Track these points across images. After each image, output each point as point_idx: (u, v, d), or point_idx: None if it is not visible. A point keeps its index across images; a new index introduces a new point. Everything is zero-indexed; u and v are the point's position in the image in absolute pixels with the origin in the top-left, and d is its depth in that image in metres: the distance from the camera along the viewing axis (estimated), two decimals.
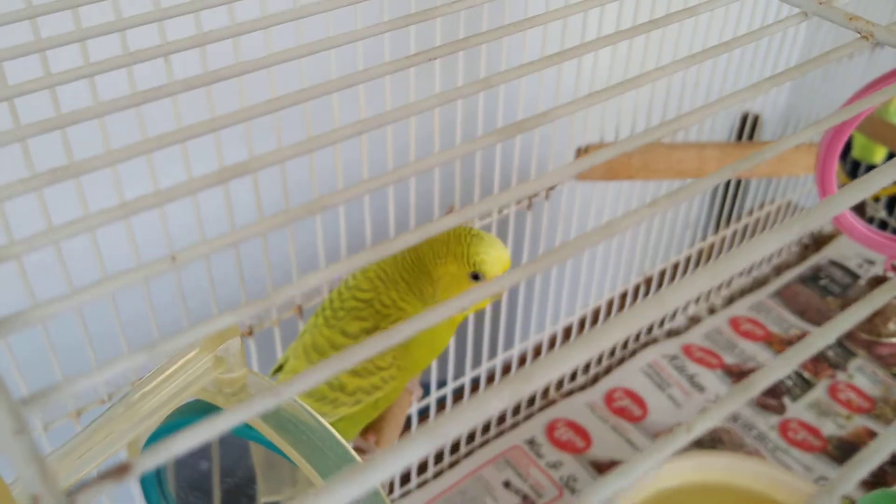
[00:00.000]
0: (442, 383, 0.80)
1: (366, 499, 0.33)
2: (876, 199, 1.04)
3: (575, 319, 0.88)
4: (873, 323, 0.57)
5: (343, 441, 0.33)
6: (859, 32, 0.27)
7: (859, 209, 0.63)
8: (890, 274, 0.55)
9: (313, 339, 0.49)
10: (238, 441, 0.41)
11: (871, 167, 0.85)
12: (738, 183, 1.02)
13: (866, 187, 0.22)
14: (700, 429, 0.15)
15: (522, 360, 0.88)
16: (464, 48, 0.28)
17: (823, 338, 0.17)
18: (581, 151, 0.72)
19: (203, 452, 0.42)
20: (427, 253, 0.46)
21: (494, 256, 0.46)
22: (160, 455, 0.15)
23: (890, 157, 0.88)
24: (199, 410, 0.34)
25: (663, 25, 0.29)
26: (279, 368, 0.53)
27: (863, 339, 0.95)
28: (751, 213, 1.00)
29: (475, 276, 0.46)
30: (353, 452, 0.33)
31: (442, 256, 0.45)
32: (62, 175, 0.21)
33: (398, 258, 0.47)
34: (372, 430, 0.53)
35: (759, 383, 0.16)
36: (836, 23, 0.28)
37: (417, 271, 0.46)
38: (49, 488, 0.14)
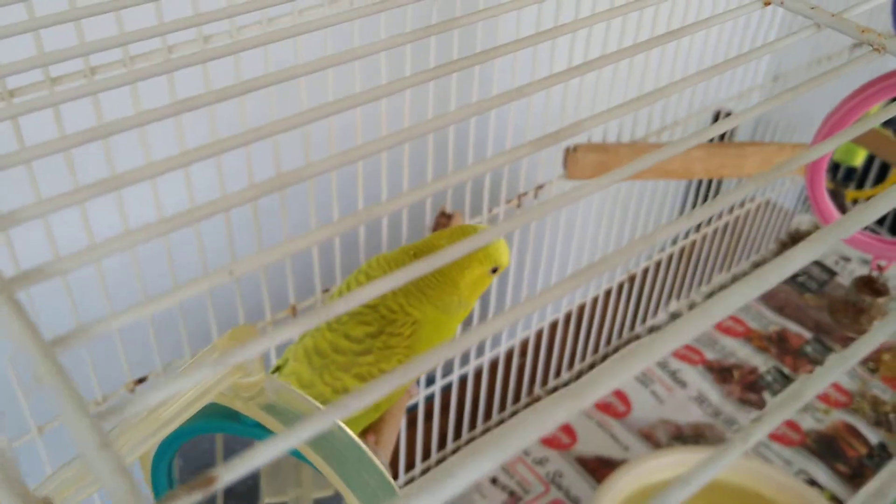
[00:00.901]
0: (430, 381, 0.80)
1: (376, 484, 0.34)
2: (854, 201, 1.06)
3: (561, 315, 0.89)
4: (859, 322, 0.58)
5: (363, 445, 0.33)
6: (871, 45, 0.28)
7: (842, 211, 0.64)
8: (876, 273, 0.57)
9: (315, 342, 0.49)
10: (244, 442, 0.41)
11: (850, 169, 0.87)
12: (719, 181, 1.03)
13: (872, 212, 0.22)
14: (756, 437, 0.16)
15: (509, 357, 0.89)
16: (461, 68, 0.28)
17: (865, 346, 0.17)
18: (569, 150, 0.73)
19: (209, 454, 0.42)
20: (452, 267, 0.47)
21: (504, 248, 0.49)
22: (242, 467, 0.15)
23: (870, 158, 0.90)
24: (214, 414, 0.35)
25: (666, 42, 0.30)
26: (277, 370, 0.53)
27: (841, 336, 0.97)
28: (731, 210, 1.01)
29: (494, 270, 0.48)
30: (372, 455, 0.33)
31: (467, 266, 0.47)
32: (108, 187, 0.21)
33: None
34: (371, 431, 0.53)
35: (809, 391, 0.16)
36: (849, 35, 0.29)
37: (437, 282, 0.48)
38: (138, 499, 0.14)
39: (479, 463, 0.15)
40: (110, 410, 0.16)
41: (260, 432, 0.33)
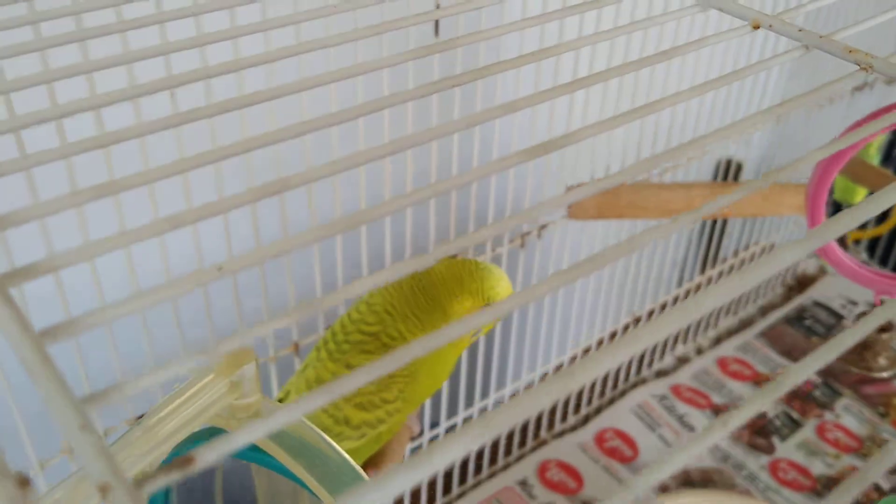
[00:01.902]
0: (434, 424, 0.80)
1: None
2: (857, 241, 1.06)
3: (566, 359, 0.89)
4: (864, 358, 0.58)
5: (357, 467, 0.33)
6: (859, 64, 0.29)
7: (842, 248, 0.64)
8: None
9: (317, 373, 0.49)
10: (242, 470, 0.41)
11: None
12: (724, 224, 1.04)
13: (856, 216, 0.22)
14: (736, 421, 0.16)
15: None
16: (463, 83, 0.29)
17: (851, 338, 0.17)
18: (571, 190, 0.73)
19: (207, 481, 0.42)
20: (441, 292, 0.47)
21: (504, 288, 0.48)
22: (218, 450, 0.15)
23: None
24: (210, 437, 0.35)
25: (661, 61, 0.30)
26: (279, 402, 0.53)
27: (849, 380, 0.96)
28: (736, 254, 1.01)
29: None
30: (367, 478, 0.33)
31: (457, 294, 0.47)
32: (105, 191, 0.21)
33: (408, 294, 0.48)
34: (371, 465, 0.53)
35: (790, 381, 0.16)
36: (836, 55, 0.29)
37: (431, 309, 0.48)
38: (117, 478, 0.14)
39: (461, 441, 0.15)
40: (95, 396, 0.16)
41: (255, 454, 0.33)
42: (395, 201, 0.23)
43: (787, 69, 1.00)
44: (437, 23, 0.60)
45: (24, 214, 0.20)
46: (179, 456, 0.35)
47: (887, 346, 0.57)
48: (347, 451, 0.49)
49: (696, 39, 0.30)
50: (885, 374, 0.56)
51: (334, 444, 0.34)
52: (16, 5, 0.33)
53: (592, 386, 0.94)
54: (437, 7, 0.58)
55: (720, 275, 0.99)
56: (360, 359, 0.48)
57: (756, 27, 0.31)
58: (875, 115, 0.51)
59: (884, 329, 0.56)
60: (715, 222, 1.04)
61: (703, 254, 1.08)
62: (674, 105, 0.27)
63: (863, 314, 0.59)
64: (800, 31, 0.30)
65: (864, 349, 0.57)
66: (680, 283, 0.97)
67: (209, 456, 0.15)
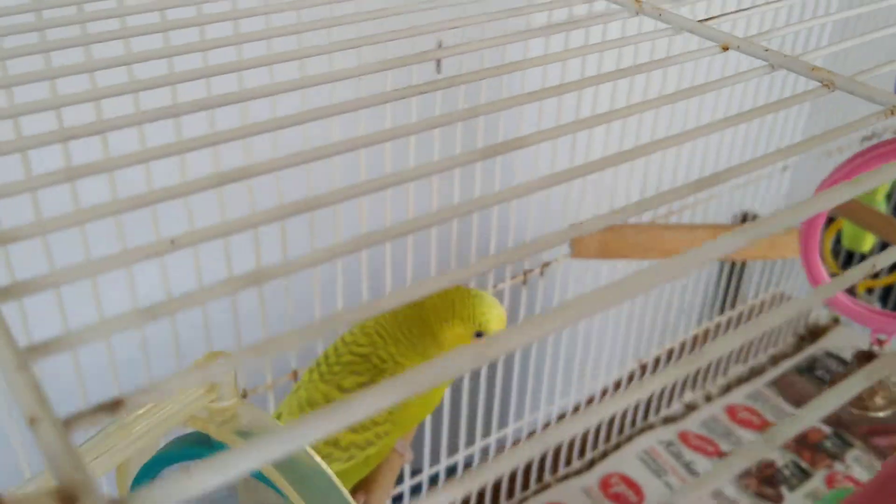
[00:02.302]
0: (434, 461, 0.79)
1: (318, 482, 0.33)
2: (869, 290, 1.05)
3: (570, 402, 0.88)
4: (860, 397, 0.57)
5: (343, 489, 0.33)
6: (821, 82, 0.29)
7: (850, 292, 0.64)
8: (875, 347, 0.56)
9: (309, 394, 0.49)
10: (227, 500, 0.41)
11: (862, 256, 0.87)
12: (731, 271, 1.04)
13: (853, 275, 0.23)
14: (646, 389, 0.16)
15: (516, 444, 0.88)
16: (467, 118, 0.30)
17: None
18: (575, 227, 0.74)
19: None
20: (431, 316, 0.48)
21: (496, 315, 0.49)
22: (146, 396, 0.16)
23: (882, 245, 0.89)
24: (193, 442, 0.35)
25: (637, 73, 0.31)
26: None
27: (860, 431, 0.95)
28: (744, 301, 1.01)
29: (479, 335, 0.48)
30: (352, 500, 0.33)
31: (448, 319, 0.48)
32: (120, 262, 0.22)
33: (400, 318, 0.49)
34: (361, 490, 0.53)
35: (710, 353, 0.17)
36: (800, 73, 0.30)
37: (421, 332, 0.48)
38: (45, 412, 0.15)
39: (374, 396, 0.16)
40: (37, 346, 0.17)
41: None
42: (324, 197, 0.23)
43: (805, 115, 1.01)
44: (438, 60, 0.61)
45: (42, 282, 0.21)
46: (169, 459, 0.35)
47: (884, 386, 0.57)
48: (336, 474, 0.50)
49: (664, 57, 0.31)
50: (881, 414, 0.55)
51: (318, 457, 0.34)
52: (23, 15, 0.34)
53: (598, 430, 0.93)
54: (440, 46, 0.59)
55: (729, 322, 0.99)
56: (349, 380, 0.48)
57: (725, 49, 0.32)
58: (868, 152, 0.51)
59: None
60: (733, 267, 1.05)
61: (710, 299, 1.08)
62: (627, 116, 0.27)
63: (865, 353, 0.59)
64: (766, 50, 0.31)
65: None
66: (687, 330, 0.97)
67: (138, 398, 0.16)
